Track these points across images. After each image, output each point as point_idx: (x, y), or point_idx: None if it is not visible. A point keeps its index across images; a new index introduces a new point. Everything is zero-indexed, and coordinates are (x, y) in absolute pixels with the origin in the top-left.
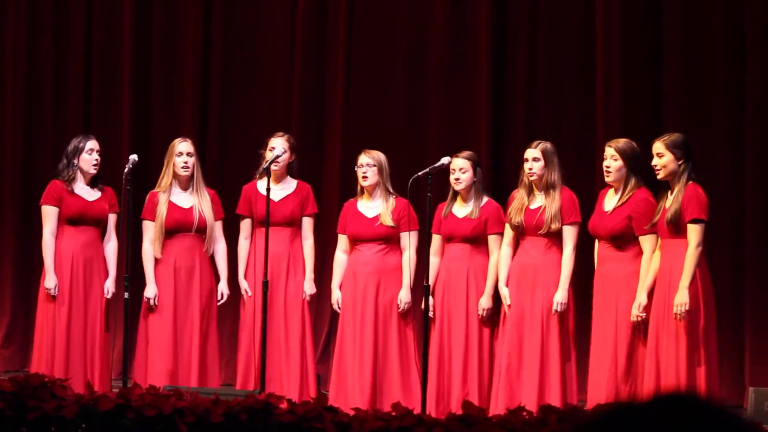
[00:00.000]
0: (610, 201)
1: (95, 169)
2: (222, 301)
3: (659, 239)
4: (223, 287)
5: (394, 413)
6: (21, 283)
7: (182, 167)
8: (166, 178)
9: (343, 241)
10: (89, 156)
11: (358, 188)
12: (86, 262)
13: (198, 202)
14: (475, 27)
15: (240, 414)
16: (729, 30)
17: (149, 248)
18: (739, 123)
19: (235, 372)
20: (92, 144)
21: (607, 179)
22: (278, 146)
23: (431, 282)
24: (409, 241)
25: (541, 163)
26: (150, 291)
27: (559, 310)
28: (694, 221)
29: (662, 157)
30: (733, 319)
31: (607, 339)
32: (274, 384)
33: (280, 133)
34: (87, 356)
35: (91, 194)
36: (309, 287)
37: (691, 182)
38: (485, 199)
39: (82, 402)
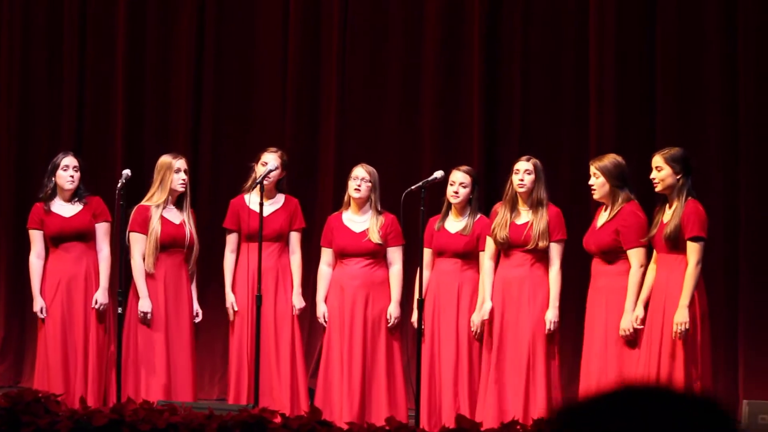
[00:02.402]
0: (602, 217)
1: (71, 185)
2: (198, 320)
3: (654, 252)
4: (196, 307)
5: (387, 427)
6: (14, 299)
7: (181, 184)
8: (159, 194)
9: (327, 254)
10: (65, 173)
11: (346, 199)
12: (77, 279)
13: (186, 218)
14: (468, 40)
15: (234, 428)
16: (722, 36)
17: (140, 262)
18: (732, 131)
19: (227, 387)
20: (68, 160)
21: (594, 197)
22: (271, 161)
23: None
24: (396, 256)
25: (533, 176)
26: (145, 305)
27: (552, 329)
28: (694, 239)
29: (660, 171)
30: (727, 333)
31: (597, 353)
32: (266, 399)
33: (273, 149)
34: (88, 372)
35: (70, 210)
36: (298, 301)
37: (690, 198)
38: (478, 215)
39: (76, 417)
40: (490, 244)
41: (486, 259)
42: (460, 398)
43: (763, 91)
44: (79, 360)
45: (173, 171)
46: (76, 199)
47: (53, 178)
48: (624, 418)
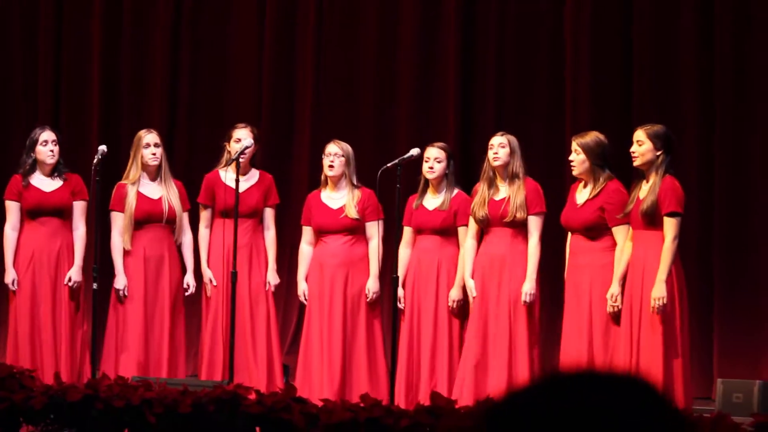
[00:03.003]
0: (582, 194)
1: (52, 159)
2: (189, 293)
3: (630, 229)
4: (189, 279)
5: (362, 404)
6: None
7: (151, 158)
8: (134, 171)
9: (307, 232)
10: (44, 147)
11: (322, 177)
12: (50, 254)
13: (166, 192)
14: (445, 23)
15: (208, 405)
16: (698, 9)
17: (118, 240)
18: (709, 119)
19: (199, 363)
20: (47, 135)
21: (573, 173)
22: (245, 137)
23: (402, 273)
24: (374, 230)
25: (507, 149)
26: (120, 282)
27: (528, 300)
28: (671, 214)
29: (641, 145)
30: (701, 312)
31: (581, 330)
32: (241, 375)
33: (243, 125)
34: (56, 347)
35: (50, 185)
36: (272, 278)
37: (668, 175)
38: (456, 191)
39: (51, 393)
40: (472, 224)
41: (468, 238)
42: (438, 375)
43: (739, 67)
44: (48, 335)
45: (142, 146)
46: (56, 174)
47: (32, 154)
48: (552, 406)
